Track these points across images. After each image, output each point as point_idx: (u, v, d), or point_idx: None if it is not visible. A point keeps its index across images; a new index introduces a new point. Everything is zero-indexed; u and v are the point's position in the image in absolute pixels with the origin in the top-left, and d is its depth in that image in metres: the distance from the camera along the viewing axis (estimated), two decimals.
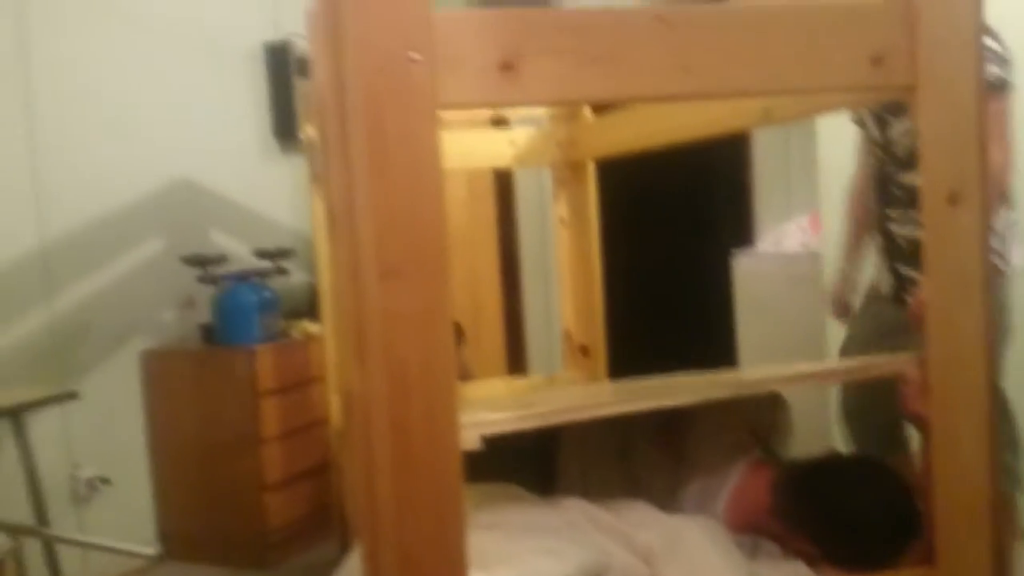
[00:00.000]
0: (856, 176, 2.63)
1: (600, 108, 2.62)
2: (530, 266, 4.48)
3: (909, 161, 2.23)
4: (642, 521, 1.53)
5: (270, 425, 3.46)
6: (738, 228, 3.80)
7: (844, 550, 1.48)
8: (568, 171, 2.81)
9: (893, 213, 2.35)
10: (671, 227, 4.28)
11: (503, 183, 4.50)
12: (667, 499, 1.66)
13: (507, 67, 1.14)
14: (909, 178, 2.27)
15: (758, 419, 1.76)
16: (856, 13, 1.25)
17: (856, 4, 1.27)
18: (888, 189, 2.36)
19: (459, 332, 3.75)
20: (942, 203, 1.26)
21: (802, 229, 3.71)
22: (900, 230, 2.34)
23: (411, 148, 1.15)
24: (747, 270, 3.62)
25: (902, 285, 2.37)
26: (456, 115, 2.86)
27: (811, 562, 1.49)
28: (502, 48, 1.15)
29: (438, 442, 1.16)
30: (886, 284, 2.44)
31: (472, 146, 2.77)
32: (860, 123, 2.51)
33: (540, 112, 2.82)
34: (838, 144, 2.96)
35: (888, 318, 2.38)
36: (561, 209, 2.88)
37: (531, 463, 1.77)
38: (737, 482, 1.63)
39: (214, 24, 3.94)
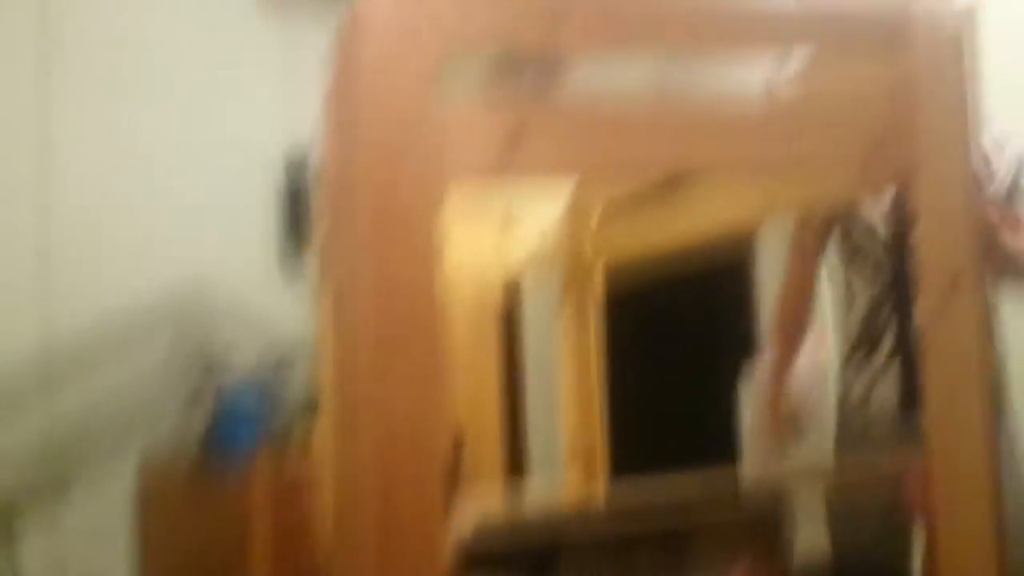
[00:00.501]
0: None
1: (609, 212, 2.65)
2: (533, 375, 4.43)
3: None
4: None
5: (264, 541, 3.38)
6: (744, 341, 3.78)
7: None
8: (575, 275, 2.83)
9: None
10: (676, 341, 4.27)
11: (509, 292, 4.49)
12: None
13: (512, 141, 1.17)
14: None
15: (760, 525, 1.71)
16: (854, 99, 1.28)
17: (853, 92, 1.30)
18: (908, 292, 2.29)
19: (458, 440, 3.70)
20: (943, 288, 1.26)
21: (813, 344, 3.68)
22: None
23: (413, 225, 1.16)
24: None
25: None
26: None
27: None
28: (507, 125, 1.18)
29: (427, 519, 1.13)
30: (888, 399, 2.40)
31: (474, 251, 2.78)
32: (867, 236, 2.48)
33: (548, 216, 2.85)
34: None
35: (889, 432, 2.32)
36: (566, 315, 2.89)
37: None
38: None
39: (236, 129, 4.04)
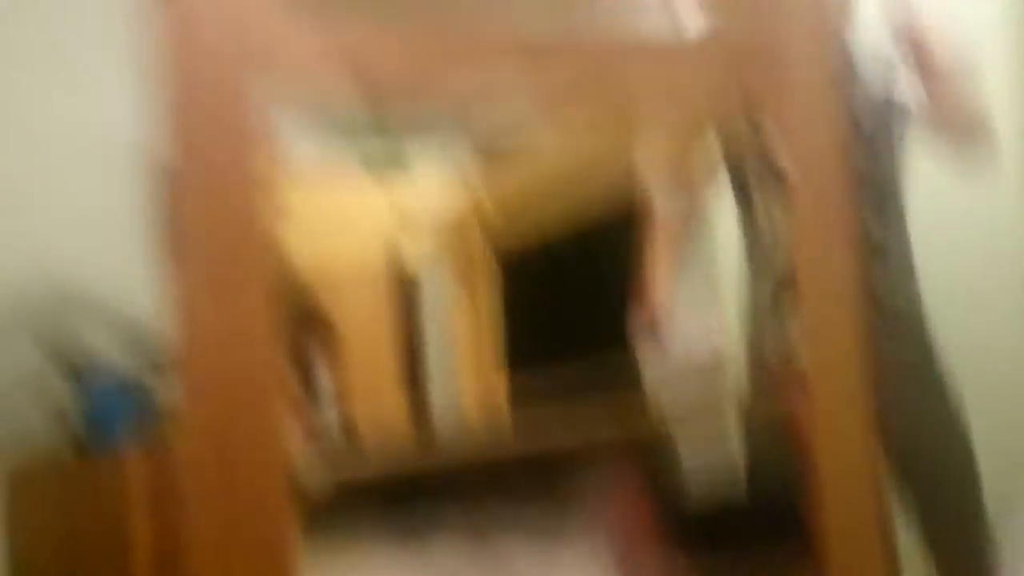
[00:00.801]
0: None
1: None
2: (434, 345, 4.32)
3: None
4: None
5: (143, 538, 3.24)
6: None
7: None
8: (467, 270, 2.80)
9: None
10: (571, 293, 4.19)
11: (407, 283, 4.37)
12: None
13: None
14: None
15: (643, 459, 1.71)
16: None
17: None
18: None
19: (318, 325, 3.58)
20: (810, 206, 1.28)
21: (710, 328, 3.67)
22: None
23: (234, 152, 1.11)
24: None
25: None
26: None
27: None
28: None
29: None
30: None
31: (367, 242, 2.74)
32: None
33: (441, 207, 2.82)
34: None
35: None
36: (460, 314, 2.86)
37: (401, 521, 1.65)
38: (619, 507, 1.56)
39: (92, 113, 3.84)
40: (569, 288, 4.23)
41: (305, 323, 3.47)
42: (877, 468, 1.33)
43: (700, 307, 3.52)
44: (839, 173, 1.33)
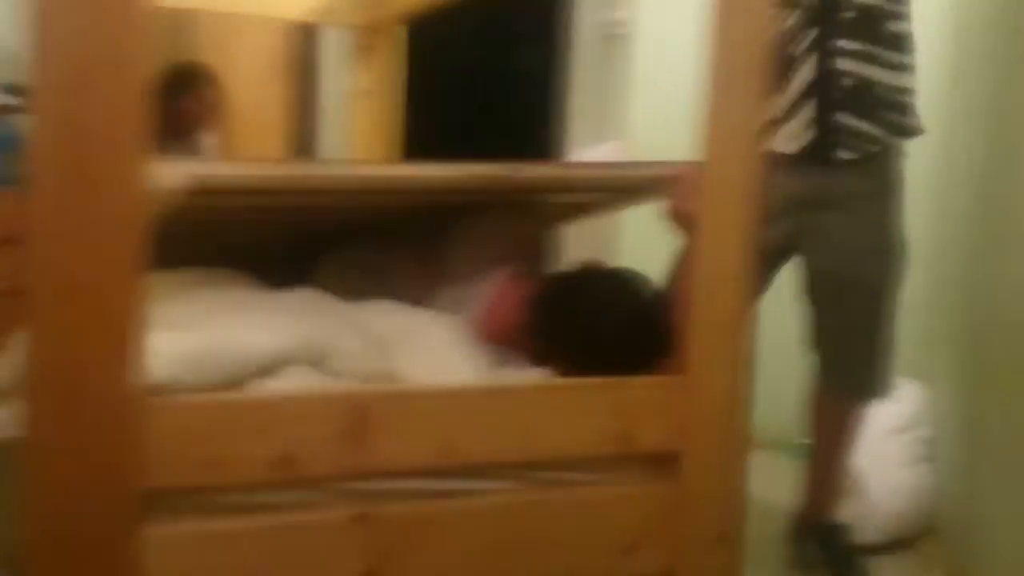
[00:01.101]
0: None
1: None
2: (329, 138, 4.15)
3: None
4: (381, 312, 1.43)
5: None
6: (546, 136, 3.69)
7: (589, 362, 1.40)
8: (371, 35, 2.66)
9: (843, 45, 1.95)
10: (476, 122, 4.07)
11: (308, 47, 4.12)
12: (418, 306, 1.55)
13: None
14: None
15: (520, 233, 1.68)
16: None
17: None
18: (833, 17, 1.97)
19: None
20: None
21: (618, 153, 3.59)
22: (850, 66, 1.94)
23: None
24: None
25: (835, 140, 1.98)
26: None
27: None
28: None
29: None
30: (804, 139, 2.00)
31: None
32: None
33: None
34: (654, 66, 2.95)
35: (804, 183, 1.99)
36: (360, 79, 2.74)
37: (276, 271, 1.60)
38: (492, 295, 1.53)
39: None
40: (472, 58, 4.06)
41: (187, 77, 3.30)
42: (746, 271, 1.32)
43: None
44: None
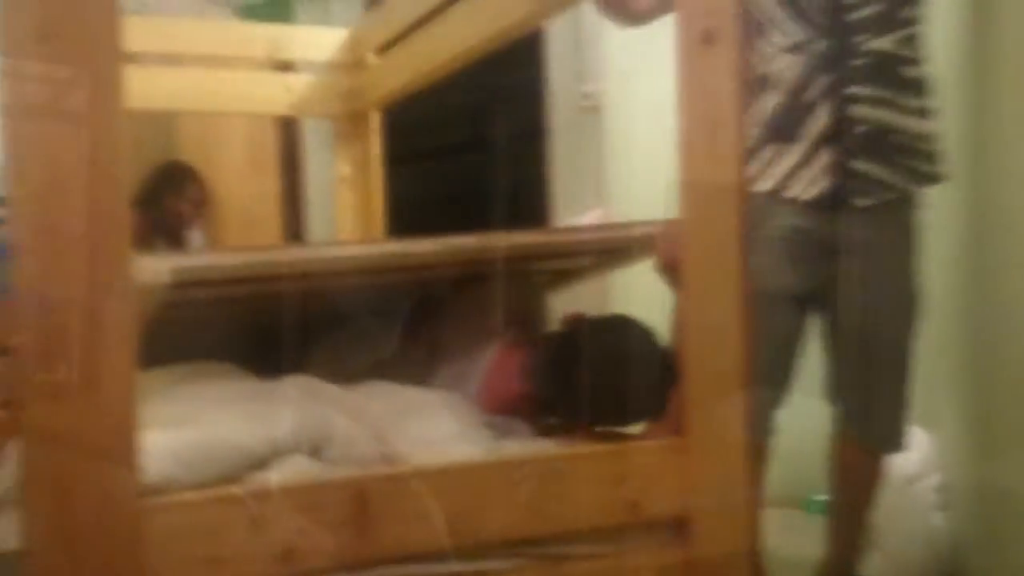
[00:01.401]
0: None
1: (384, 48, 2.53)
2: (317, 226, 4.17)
3: (877, 23, 1.93)
4: (377, 393, 1.41)
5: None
6: (532, 207, 3.72)
7: (599, 409, 1.38)
8: (350, 123, 2.70)
9: (858, 91, 1.92)
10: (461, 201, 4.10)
11: (290, 138, 4.16)
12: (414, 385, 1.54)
13: None
14: (878, 44, 1.93)
15: (512, 303, 1.67)
16: None
17: None
18: (845, 64, 1.93)
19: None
20: (696, 44, 1.23)
21: (602, 221, 3.62)
22: (866, 112, 1.91)
23: None
24: None
25: (852, 186, 1.93)
26: (233, 56, 2.73)
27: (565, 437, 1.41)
28: None
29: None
30: (821, 185, 1.95)
31: (244, 89, 2.62)
32: None
33: (323, 59, 2.70)
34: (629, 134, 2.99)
35: (823, 230, 1.95)
36: (342, 167, 2.76)
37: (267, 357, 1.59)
38: (490, 365, 1.52)
39: None
40: (451, 137, 4.10)
41: (171, 178, 3.32)
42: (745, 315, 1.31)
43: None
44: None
